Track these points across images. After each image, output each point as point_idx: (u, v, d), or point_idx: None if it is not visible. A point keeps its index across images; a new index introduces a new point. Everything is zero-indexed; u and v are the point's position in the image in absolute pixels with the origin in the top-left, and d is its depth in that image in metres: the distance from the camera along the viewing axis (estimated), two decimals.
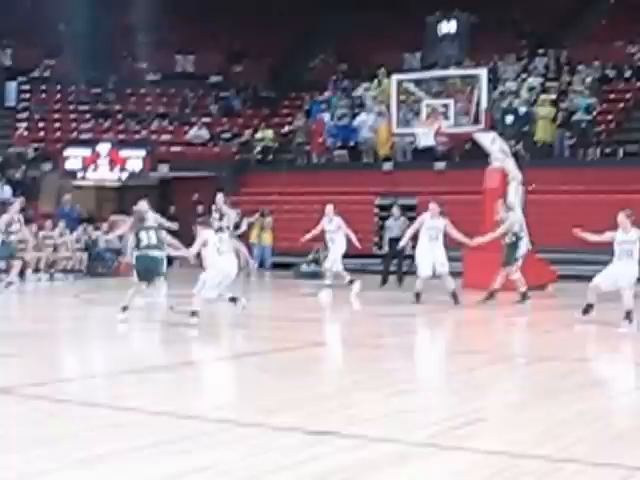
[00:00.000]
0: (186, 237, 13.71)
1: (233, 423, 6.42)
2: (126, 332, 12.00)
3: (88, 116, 30.46)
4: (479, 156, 20.33)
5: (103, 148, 26.84)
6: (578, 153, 24.46)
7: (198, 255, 12.53)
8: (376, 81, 27.65)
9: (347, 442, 5.82)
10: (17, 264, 18.10)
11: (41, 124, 30.06)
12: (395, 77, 20.99)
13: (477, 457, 5.57)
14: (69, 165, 26.86)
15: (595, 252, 14.20)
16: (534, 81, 26.16)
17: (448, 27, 27.64)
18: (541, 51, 27.65)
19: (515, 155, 20.84)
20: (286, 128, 29.40)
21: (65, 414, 6.82)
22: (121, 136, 29.11)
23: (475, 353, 10.21)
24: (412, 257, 16.42)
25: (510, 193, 17.77)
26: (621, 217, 12.21)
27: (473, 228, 17.60)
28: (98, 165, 26.69)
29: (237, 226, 20.78)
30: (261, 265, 23.16)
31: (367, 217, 24.61)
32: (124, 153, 26.86)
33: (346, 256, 18.83)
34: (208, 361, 10.06)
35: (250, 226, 23.06)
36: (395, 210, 19.48)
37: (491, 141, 19.00)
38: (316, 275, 20.49)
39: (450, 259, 15.82)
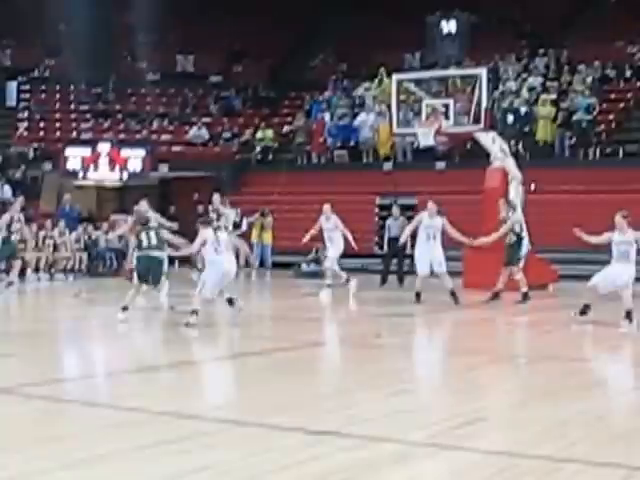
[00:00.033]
0: (186, 237, 13.73)
1: (233, 423, 6.42)
2: (126, 332, 11.99)
3: (88, 116, 30.48)
4: (479, 156, 20.34)
5: (103, 148, 26.84)
6: (578, 153, 24.46)
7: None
8: (376, 81, 27.66)
9: (347, 442, 5.82)
10: (17, 264, 18.13)
11: (41, 124, 30.10)
12: (395, 77, 20.96)
13: (477, 457, 5.57)
14: (69, 165, 26.85)
15: (595, 252, 14.18)
16: (534, 81, 26.16)
17: (448, 27, 27.64)
18: (541, 51, 27.65)
19: (515, 155, 20.85)
20: (286, 128, 29.42)
21: (65, 414, 6.82)
22: (121, 136, 29.12)
23: (475, 353, 10.20)
24: (412, 257, 16.42)
25: (510, 193, 17.77)
26: (618, 218, 12.20)
27: (473, 228, 17.60)
28: (98, 165, 26.69)
29: (237, 226, 20.80)
30: (261, 265, 23.16)
31: (367, 217, 24.63)
32: (124, 153, 26.85)
33: (347, 256, 18.85)
34: (208, 361, 10.06)
35: (250, 226, 23.08)
36: (395, 210, 19.49)
37: (491, 141, 19.01)
38: (316, 275, 20.50)
39: (450, 259, 15.82)
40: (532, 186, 19.65)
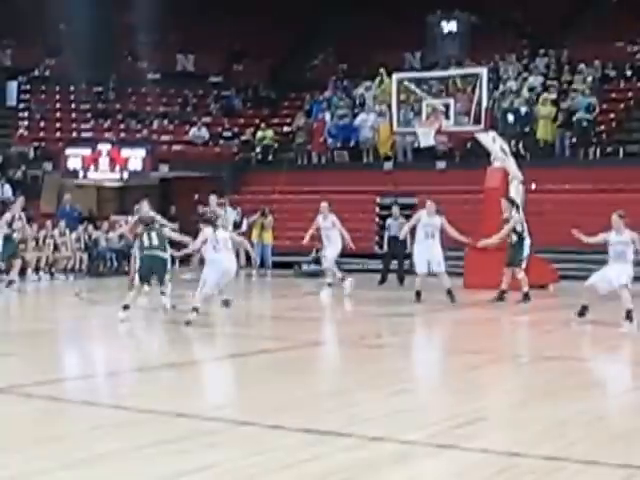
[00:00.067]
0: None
1: (233, 423, 6.42)
2: (127, 332, 11.99)
3: (89, 115, 30.48)
4: (480, 156, 20.34)
5: (104, 148, 26.82)
6: (579, 153, 24.45)
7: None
8: (377, 81, 27.65)
9: (348, 442, 5.82)
10: (17, 263, 18.19)
11: (42, 124, 30.09)
12: (396, 77, 20.94)
13: (477, 457, 5.57)
14: (70, 165, 26.83)
15: (596, 252, 14.16)
16: (535, 80, 26.15)
17: (449, 27, 27.63)
18: (542, 51, 27.63)
19: (515, 155, 20.85)
20: (286, 128, 29.42)
21: (65, 414, 6.83)
22: (122, 136, 29.12)
23: (475, 353, 10.20)
24: (412, 256, 16.42)
25: (511, 193, 17.75)
26: (614, 218, 12.20)
27: (474, 228, 17.61)
28: (99, 165, 26.66)
29: (237, 225, 20.80)
30: (262, 265, 23.16)
31: (368, 217, 24.64)
32: (125, 153, 26.83)
33: (348, 255, 18.84)
34: (209, 360, 10.06)
35: (251, 226, 23.08)
36: (395, 210, 19.48)
37: (492, 140, 19.01)
38: (317, 274, 20.49)
39: (451, 259, 15.80)
40: (533, 186, 19.64)
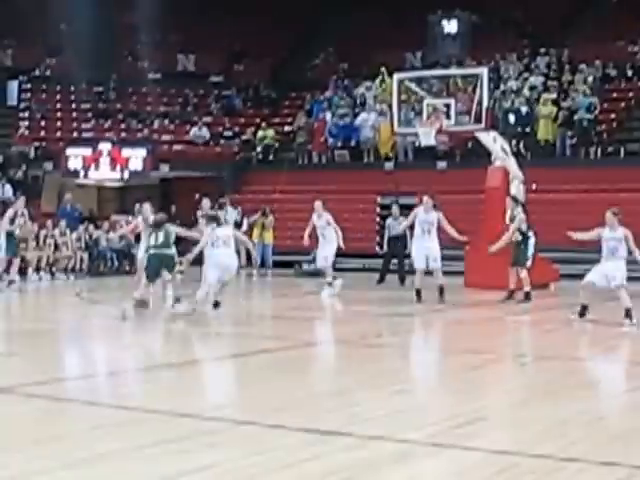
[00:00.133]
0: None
1: (234, 422, 6.43)
2: (127, 331, 11.99)
3: (89, 115, 30.49)
4: (481, 155, 20.35)
5: (104, 147, 26.83)
6: (580, 152, 24.46)
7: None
8: (377, 80, 27.65)
9: (348, 441, 5.82)
10: (16, 262, 18.27)
11: (42, 123, 30.10)
12: (396, 76, 20.94)
13: (478, 456, 5.57)
14: (70, 164, 26.85)
15: (597, 251, 14.16)
16: (536, 80, 26.15)
17: (449, 26, 27.63)
18: (543, 50, 27.63)
19: (516, 154, 20.84)
20: (287, 127, 29.42)
21: (66, 413, 6.83)
22: (122, 135, 29.13)
23: (475, 352, 10.20)
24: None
25: (512, 192, 17.74)
26: (609, 215, 12.28)
27: (474, 227, 17.62)
28: (99, 164, 26.68)
29: (238, 225, 20.79)
30: (262, 264, 23.16)
31: (369, 216, 24.65)
32: (125, 152, 26.85)
33: (349, 255, 18.83)
34: (209, 360, 10.06)
35: (251, 225, 23.09)
36: (395, 209, 19.48)
37: (493, 140, 19.01)
38: (317, 274, 20.47)
39: (451, 258, 15.79)
40: (533, 185, 19.64)
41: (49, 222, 21.98)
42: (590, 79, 25.53)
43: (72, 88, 30.94)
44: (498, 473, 5.22)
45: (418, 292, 15.24)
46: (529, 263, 15.72)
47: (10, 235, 18.03)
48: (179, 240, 13.61)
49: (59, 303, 17.35)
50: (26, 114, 30.53)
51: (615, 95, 26.24)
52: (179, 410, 6.71)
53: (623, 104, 25.91)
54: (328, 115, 27.85)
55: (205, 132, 28.89)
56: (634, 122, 25.39)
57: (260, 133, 28.71)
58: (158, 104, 30.44)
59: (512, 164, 18.68)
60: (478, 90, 19.28)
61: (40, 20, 28.32)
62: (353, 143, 27.15)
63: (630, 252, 12.23)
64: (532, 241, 15.93)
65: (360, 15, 30.64)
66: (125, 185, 27.85)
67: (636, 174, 21.63)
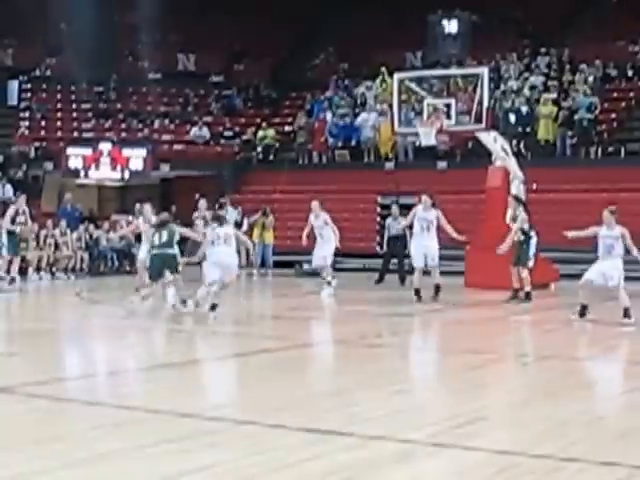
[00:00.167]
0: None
1: (234, 422, 6.43)
2: (128, 331, 11.99)
3: (90, 115, 30.49)
4: (481, 155, 20.34)
5: (105, 147, 26.84)
6: (580, 152, 24.45)
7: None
8: (378, 80, 27.65)
9: (348, 441, 5.82)
10: (16, 260, 18.31)
11: (43, 123, 30.09)
12: (397, 76, 20.93)
13: (478, 456, 5.57)
14: (71, 164, 26.85)
15: (596, 251, 14.17)
16: (536, 80, 26.15)
17: (450, 26, 27.62)
18: (543, 50, 27.63)
19: (517, 154, 20.84)
20: (288, 127, 29.42)
21: (67, 413, 6.83)
22: (123, 135, 29.13)
23: (476, 352, 10.20)
24: None
25: (512, 192, 17.73)
26: (606, 214, 12.32)
27: (475, 227, 17.61)
28: (99, 164, 26.68)
29: (238, 225, 20.79)
30: (263, 264, 23.16)
31: (369, 216, 24.65)
32: (126, 152, 26.86)
33: (349, 255, 18.83)
34: (210, 360, 10.06)
35: (252, 225, 23.09)
36: (394, 209, 19.48)
37: (493, 140, 19.01)
38: (318, 274, 20.46)
39: (452, 258, 15.79)
40: (534, 185, 19.64)
41: (49, 222, 21.98)
42: (590, 79, 25.53)
43: (72, 88, 30.93)
44: (498, 473, 5.22)
45: (417, 292, 15.25)
46: (531, 263, 15.70)
47: (11, 234, 18.07)
48: (183, 240, 13.65)
49: (59, 303, 17.35)
50: (26, 114, 30.52)
51: (615, 95, 26.24)
52: (180, 410, 6.71)
53: (623, 104, 25.91)
54: (328, 115, 27.85)
55: (205, 132, 28.90)
56: (634, 122, 25.39)
57: (260, 133, 28.72)
58: (158, 104, 30.45)
59: (513, 164, 18.67)
60: (478, 90, 19.28)
61: (40, 20, 28.31)
62: (353, 143, 27.15)
63: (628, 251, 12.25)
64: (534, 241, 15.92)
65: (360, 15, 30.64)
66: (125, 185, 27.85)
67: (636, 174, 21.63)
